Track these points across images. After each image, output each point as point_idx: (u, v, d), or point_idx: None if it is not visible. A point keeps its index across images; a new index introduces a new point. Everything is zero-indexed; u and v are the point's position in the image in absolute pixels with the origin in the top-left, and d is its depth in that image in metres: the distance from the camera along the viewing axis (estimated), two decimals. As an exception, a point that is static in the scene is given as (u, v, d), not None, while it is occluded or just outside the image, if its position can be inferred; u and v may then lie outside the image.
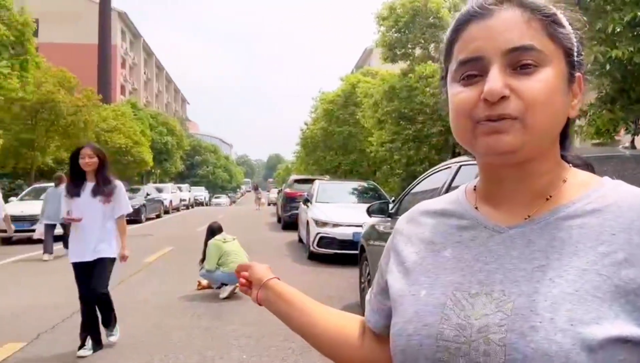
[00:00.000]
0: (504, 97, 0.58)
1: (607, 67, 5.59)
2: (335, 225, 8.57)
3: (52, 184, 9.36)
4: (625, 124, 6.51)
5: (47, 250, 8.97)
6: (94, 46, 36.70)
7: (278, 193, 22.81)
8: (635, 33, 5.46)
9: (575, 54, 0.63)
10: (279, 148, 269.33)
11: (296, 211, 12.72)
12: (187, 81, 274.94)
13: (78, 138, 18.39)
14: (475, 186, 0.73)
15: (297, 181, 15.77)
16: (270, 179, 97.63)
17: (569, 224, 0.60)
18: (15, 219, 9.58)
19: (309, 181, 13.67)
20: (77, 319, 4.95)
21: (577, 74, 0.64)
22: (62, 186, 10.33)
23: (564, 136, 0.68)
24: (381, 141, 14.44)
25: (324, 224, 8.67)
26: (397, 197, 6.05)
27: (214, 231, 6.14)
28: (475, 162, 0.67)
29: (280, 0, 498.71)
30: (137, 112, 30.65)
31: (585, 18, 0.66)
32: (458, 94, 0.62)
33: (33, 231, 9.55)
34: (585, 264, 0.57)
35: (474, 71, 0.61)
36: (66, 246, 9.17)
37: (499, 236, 0.64)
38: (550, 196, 0.64)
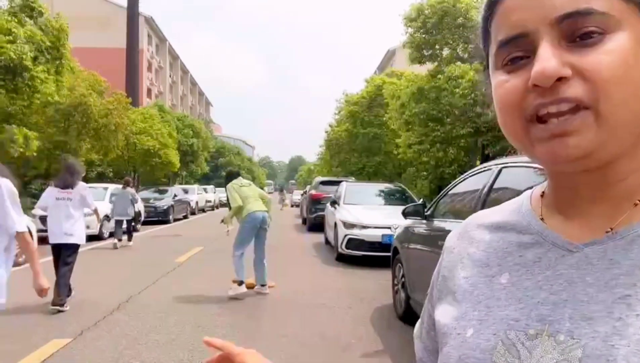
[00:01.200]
0: (560, 79, 0.43)
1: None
2: (364, 227, 8.56)
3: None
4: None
5: (117, 237, 10.96)
6: (120, 50, 37.54)
7: (302, 195, 22.89)
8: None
9: None
10: (301, 149, 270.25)
11: (322, 213, 12.74)
12: (210, 83, 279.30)
13: (109, 140, 18.86)
14: (543, 192, 0.57)
15: (323, 182, 15.76)
16: (292, 181, 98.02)
17: None
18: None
19: (335, 183, 13.64)
20: (118, 316, 5.12)
21: None
22: (129, 188, 11.17)
23: None
24: (409, 143, 14.36)
25: (352, 226, 8.67)
26: (426, 199, 6.04)
27: (232, 175, 6.34)
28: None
29: (303, 3, 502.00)
30: (164, 115, 31.20)
31: None
32: (501, 85, 0.48)
33: None
34: None
35: (518, 51, 0.47)
36: (129, 239, 11.28)
37: (571, 256, 0.49)
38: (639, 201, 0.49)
